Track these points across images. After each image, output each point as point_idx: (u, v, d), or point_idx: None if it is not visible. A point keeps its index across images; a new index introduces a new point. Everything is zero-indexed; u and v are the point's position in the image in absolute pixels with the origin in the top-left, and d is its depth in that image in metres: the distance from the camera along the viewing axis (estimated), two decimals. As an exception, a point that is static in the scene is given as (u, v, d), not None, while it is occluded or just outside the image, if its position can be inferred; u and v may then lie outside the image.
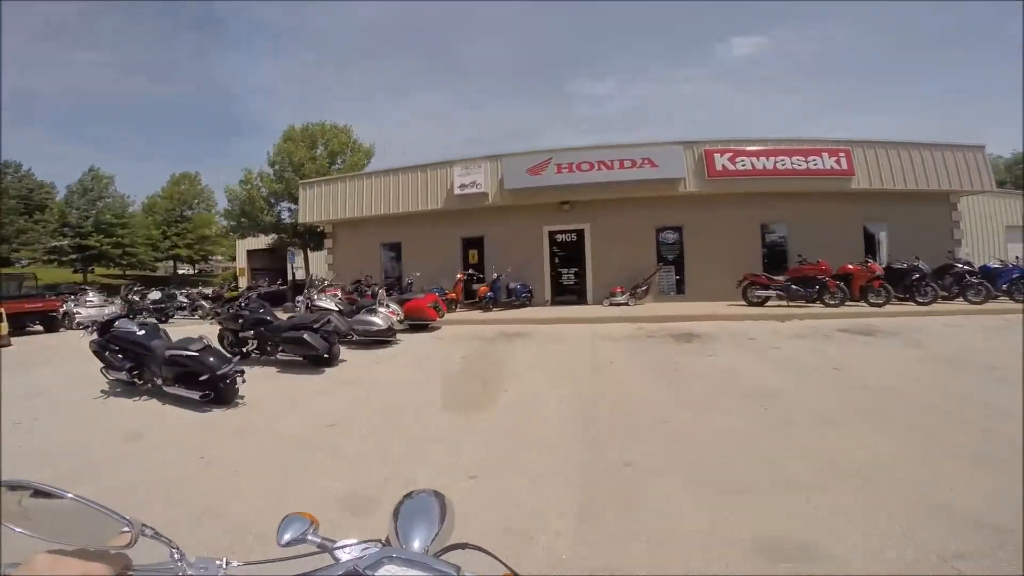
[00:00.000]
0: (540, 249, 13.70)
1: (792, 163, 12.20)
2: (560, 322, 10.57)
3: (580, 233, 13.51)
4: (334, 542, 0.77)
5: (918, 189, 12.42)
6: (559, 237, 13.68)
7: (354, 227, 15.67)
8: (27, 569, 0.54)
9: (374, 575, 0.61)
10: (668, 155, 12.23)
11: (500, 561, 0.81)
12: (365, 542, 0.76)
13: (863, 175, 12.29)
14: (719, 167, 12.23)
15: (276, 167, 19.97)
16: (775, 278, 11.29)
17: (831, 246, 12.11)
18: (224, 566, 0.64)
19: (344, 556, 0.72)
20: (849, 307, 10.32)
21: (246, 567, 0.67)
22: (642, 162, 12.19)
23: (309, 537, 0.78)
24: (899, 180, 12.35)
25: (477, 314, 12.13)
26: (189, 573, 0.62)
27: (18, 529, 0.58)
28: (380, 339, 8.48)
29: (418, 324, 10.05)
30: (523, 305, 12.95)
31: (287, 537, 0.77)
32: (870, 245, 12.90)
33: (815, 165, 12.19)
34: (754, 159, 12.27)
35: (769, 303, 11.03)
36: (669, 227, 13.22)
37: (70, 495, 0.59)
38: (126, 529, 0.60)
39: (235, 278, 30.70)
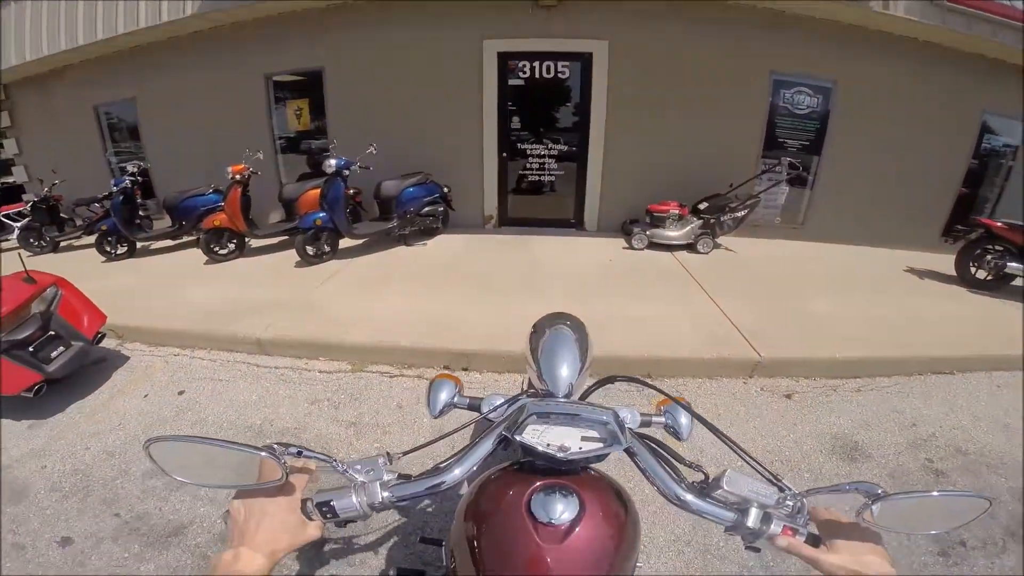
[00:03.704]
0: (474, 94, 5.71)
1: None
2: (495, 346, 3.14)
3: (579, 63, 5.56)
4: (480, 400, 0.87)
5: None
6: (524, 69, 5.64)
7: (44, 84, 7.22)
8: (231, 518, 0.60)
9: (521, 439, 0.63)
10: None
11: (656, 388, 0.83)
12: (510, 399, 0.78)
13: None
14: None
15: None
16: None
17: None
18: (387, 462, 0.64)
19: (493, 415, 0.77)
20: None
21: (405, 457, 0.69)
22: None
23: (456, 400, 0.91)
24: None
25: (270, 265, 4.71)
26: (360, 479, 0.62)
27: (180, 478, 0.60)
28: None
29: None
30: (426, 232, 5.75)
31: (439, 407, 0.90)
32: None
33: None
34: None
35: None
36: (804, 80, 5.61)
37: (215, 440, 0.59)
38: (274, 462, 0.58)
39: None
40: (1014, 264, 4.57)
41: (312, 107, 6.26)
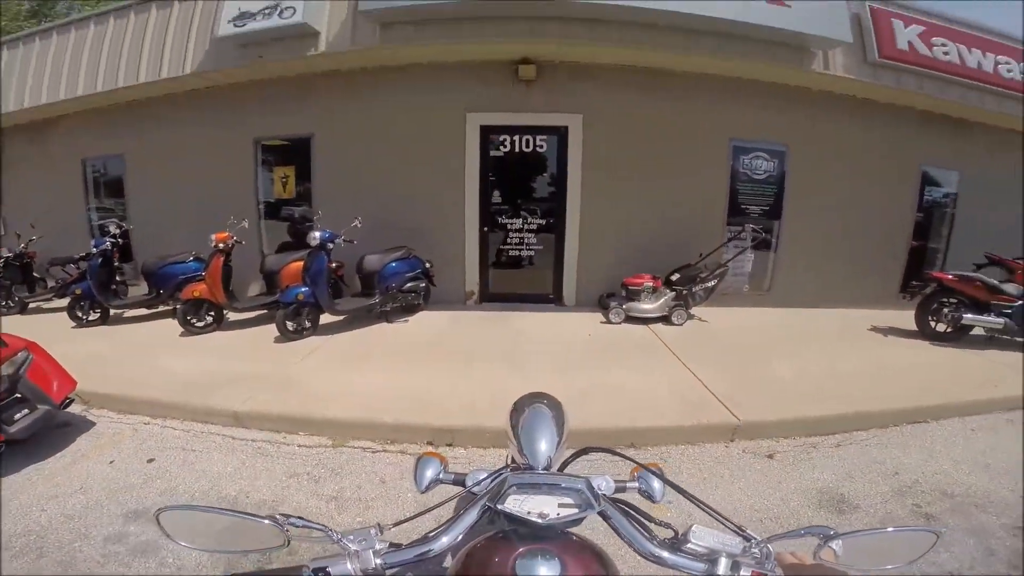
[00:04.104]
0: (457, 166, 6.00)
1: (1017, 70, 5.87)
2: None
3: (556, 137, 5.97)
4: (464, 475, 0.89)
5: None
6: (504, 143, 6.00)
7: (37, 133, 7.38)
8: None
9: (503, 508, 0.68)
10: None
11: (627, 458, 0.90)
12: (493, 473, 0.83)
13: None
14: (902, 44, 5.49)
15: None
16: (1004, 288, 5.02)
17: (1005, 222, 6.53)
18: (379, 532, 0.69)
19: (477, 488, 0.81)
20: None
21: (396, 528, 0.77)
22: None
23: (442, 476, 0.94)
24: None
25: (248, 350, 4.68)
26: (353, 548, 0.66)
27: (185, 543, 0.68)
28: None
29: None
30: (408, 309, 5.69)
31: (425, 483, 0.94)
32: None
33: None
34: (964, 48, 5.67)
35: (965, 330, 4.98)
36: (761, 145, 6.10)
37: (222, 509, 0.66)
38: (277, 529, 0.66)
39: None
40: (970, 315, 4.88)
41: (298, 174, 6.40)
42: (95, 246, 5.37)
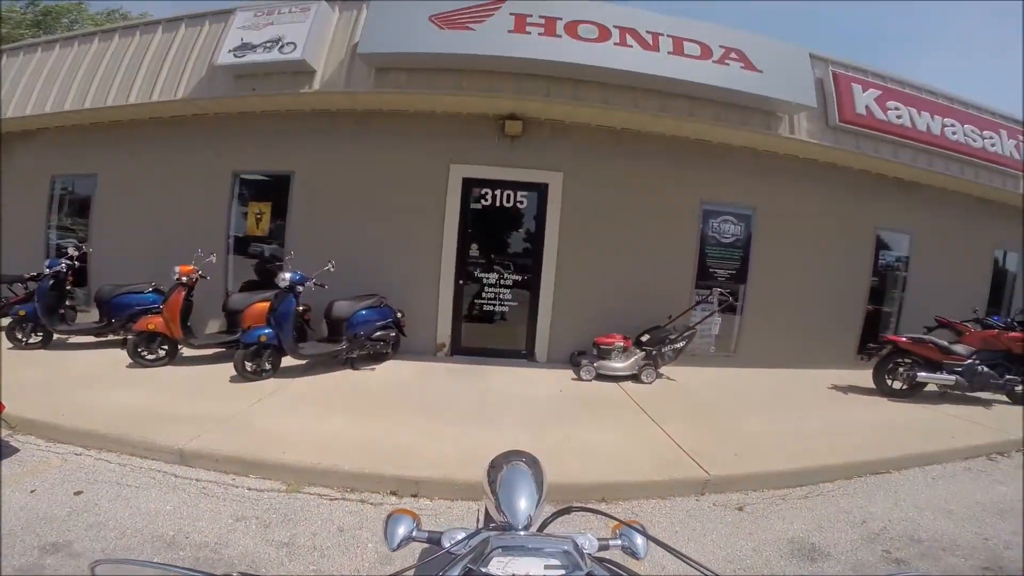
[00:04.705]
0: (436, 216, 6.10)
1: (965, 134, 6.50)
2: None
3: (536, 193, 6.20)
4: (440, 534, 0.86)
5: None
6: (486, 196, 6.19)
7: (7, 145, 7.25)
8: None
9: (486, 571, 0.66)
10: (782, 59, 5.66)
11: (609, 515, 0.90)
12: (471, 533, 0.84)
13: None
14: (860, 108, 5.97)
15: None
16: (953, 348, 5.39)
17: (952, 284, 7.19)
18: None
19: (455, 548, 0.81)
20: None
21: None
22: (727, 55, 5.41)
23: (415, 535, 0.89)
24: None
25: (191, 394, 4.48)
26: None
27: None
28: None
29: None
30: (375, 357, 5.55)
31: (397, 540, 0.88)
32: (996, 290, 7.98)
33: (991, 146, 6.66)
34: (914, 111, 6.24)
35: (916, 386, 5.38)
36: (729, 208, 6.46)
37: (171, 566, 0.59)
38: None
39: None
40: (923, 373, 5.28)
41: (273, 211, 6.32)
42: (49, 266, 5.15)
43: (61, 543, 2.09)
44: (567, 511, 0.93)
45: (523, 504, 0.90)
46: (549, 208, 6.09)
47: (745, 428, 4.00)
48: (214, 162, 6.26)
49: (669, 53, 5.28)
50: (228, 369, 4.57)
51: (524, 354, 6.23)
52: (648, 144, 6.11)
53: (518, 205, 6.18)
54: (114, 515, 2.35)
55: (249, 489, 2.73)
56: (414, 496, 2.85)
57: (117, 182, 6.61)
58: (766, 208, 6.46)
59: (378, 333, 5.37)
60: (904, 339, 5.47)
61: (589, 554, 0.72)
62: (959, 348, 5.43)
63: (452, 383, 4.98)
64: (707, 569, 0.72)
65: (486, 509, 1.01)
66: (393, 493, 2.84)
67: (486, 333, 6.24)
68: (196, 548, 2.14)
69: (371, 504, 2.70)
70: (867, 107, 6.00)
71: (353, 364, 5.25)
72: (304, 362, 5.05)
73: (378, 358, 5.51)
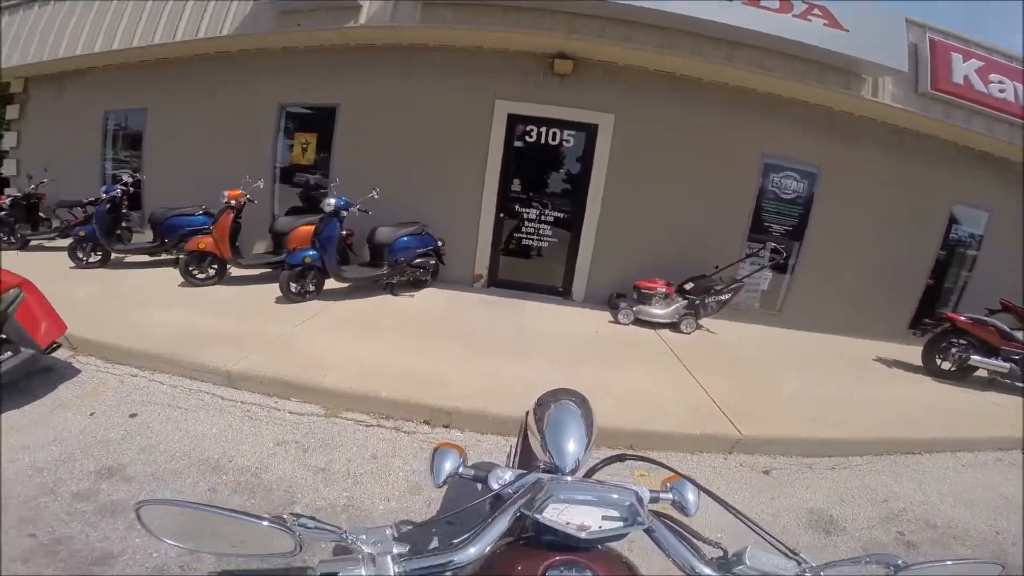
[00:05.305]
0: (480, 151, 5.93)
1: None
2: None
3: (584, 134, 5.90)
4: (485, 472, 0.82)
5: None
6: (531, 133, 5.93)
7: (62, 84, 7.55)
8: None
9: (541, 518, 0.62)
10: (874, 20, 5.11)
11: (664, 466, 0.86)
12: (519, 474, 0.79)
13: None
14: (958, 78, 5.42)
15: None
16: (1014, 334, 4.99)
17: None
18: (395, 532, 0.63)
19: (500, 488, 0.78)
20: None
21: (416, 529, 0.84)
22: (810, 11, 4.92)
23: (461, 471, 0.87)
24: None
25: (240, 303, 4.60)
26: (367, 552, 0.60)
27: (174, 543, 0.59)
28: None
29: None
30: (414, 284, 5.66)
31: (444, 475, 0.87)
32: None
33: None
34: (1020, 86, 5.54)
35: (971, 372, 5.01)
36: (793, 164, 6.00)
37: (217, 508, 0.57)
38: (286, 533, 0.58)
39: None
40: (977, 357, 4.93)
41: (319, 142, 6.37)
42: (105, 192, 5.38)
43: (115, 467, 2.23)
44: (620, 458, 0.90)
45: (572, 447, 0.86)
46: (598, 149, 5.83)
47: (781, 390, 3.91)
48: (260, 95, 6.29)
49: (743, 2, 4.78)
50: (274, 290, 4.77)
51: (560, 291, 6.26)
52: (709, 92, 5.67)
53: (564, 144, 5.94)
54: (165, 437, 2.51)
55: (290, 413, 2.90)
56: (445, 427, 2.95)
57: (167, 116, 6.79)
58: (833, 168, 5.96)
59: (418, 260, 5.50)
60: (963, 318, 5.08)
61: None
62: (1020, 335, 4.99)
63: (488, 314, 5.07)
64: (775, 538, 0.69)
65: (520, 446, 0.97)
66: (426, 423, 2.95)
67: (523, 267, 6.28)
68: (238, 472, 2.29)
69: (405, 432, 2.83)
70: (965, 77, 5.38)
71: (393, 290, 5.41)
72: (346, 285, 5.22)
73: (417, 285, 5.66)
